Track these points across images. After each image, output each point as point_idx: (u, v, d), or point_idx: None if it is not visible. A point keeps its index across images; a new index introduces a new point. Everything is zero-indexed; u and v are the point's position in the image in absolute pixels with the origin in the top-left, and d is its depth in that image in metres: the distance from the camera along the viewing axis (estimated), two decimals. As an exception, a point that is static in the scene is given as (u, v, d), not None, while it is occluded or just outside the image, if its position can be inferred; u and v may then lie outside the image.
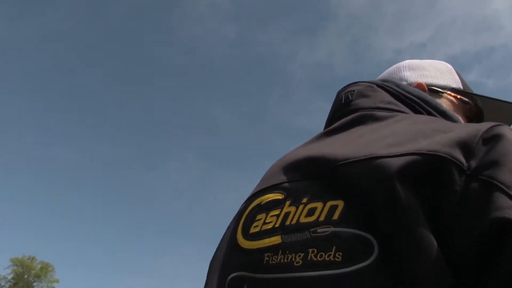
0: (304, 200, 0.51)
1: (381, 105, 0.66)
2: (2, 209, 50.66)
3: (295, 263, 0.47)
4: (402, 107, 0.66)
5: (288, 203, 0.53)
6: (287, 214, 0.52)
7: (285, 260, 0.48)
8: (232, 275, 0.55)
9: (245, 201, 0.64)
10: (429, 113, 0.67)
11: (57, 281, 38.18)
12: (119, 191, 59.51)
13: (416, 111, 0.67)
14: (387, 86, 0.70)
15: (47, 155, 55.75)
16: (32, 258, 37.95)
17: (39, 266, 37.85)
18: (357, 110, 0.67)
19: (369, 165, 0.47)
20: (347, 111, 0.68)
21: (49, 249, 51.75)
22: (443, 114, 0.68)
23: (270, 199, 0.57)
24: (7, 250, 55.46)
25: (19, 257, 37.65)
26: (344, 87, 0.74)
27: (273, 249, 0.51)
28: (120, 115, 61.14)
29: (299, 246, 0.48)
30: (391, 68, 0.86)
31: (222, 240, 0.65)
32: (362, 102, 0.68)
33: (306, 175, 0.55)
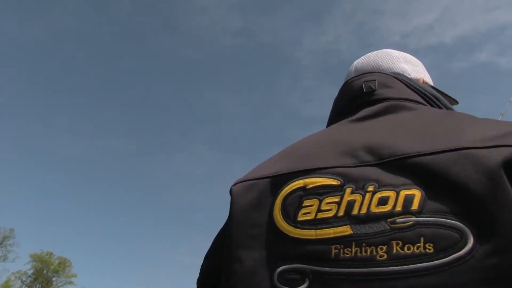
0: (370, 188, 0.49)
1: (408, 97, 0.67)
2: (18, 206, 51.71)
3: (378, 257, 0.44)
4: (422, 101, 0.68)
5: (348, 190, 0.50)
6: (351, 203, 0.49)
7: (364, 253, 0.45)
8: (284, 267, 0.50)
9: (271, 178, 0.58)
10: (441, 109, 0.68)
11: (74, 275, 39.07)
12: (133, 185, 60.23)
13: (432, 106, 0.68)
14: (403, 79, 0.71)
15: (57, 150, 56.55)
16: (50, 254, 38.81)
17: (57, 261, 38.70)
18: (383, 99, 0.66)
19: (460, 156, 0.46)
20: (371, 100, 0.68)
21: (65, 244, 52.82)
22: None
23: (320, 183, 0.52)
24: (25, 246, 56.96)
25: (37, 252, 38.59)
26: (358, 76, 0.73)
27: (343, 240, 0.47)
28: (129, 109, 61.56)
29: (379, 238, 0.45)
30: (382, 55, 0.82)
31: (244, 222, 0.56)
32: (386, 92, 0.68)
33: (364, 162, 0.52)
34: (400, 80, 0.70)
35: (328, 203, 0.50)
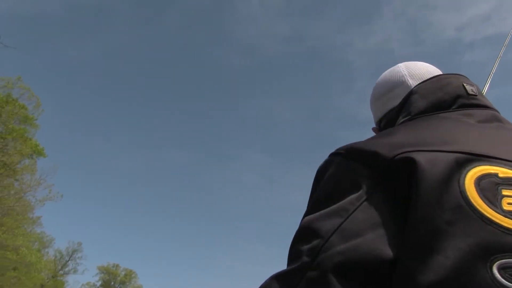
0: None
1: (496, 109, 0.71)
2: (84, 220, 54.03)
3: None
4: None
5: None
6: None
7: None
8: (505, 260, 0.43)
9: (454, 154, 0.52)
10: None
11: (140, 287, 39.93)
12: (190, 195, 61.05)
13: None
14: None
15: (117, 163, 58.66)
16: (116, 266, 39.99)
17: (123, 273, 39.81)
18: (483, 106, 0.69)
19: None
20: (473, 103, 0.69)
21: (130, 255, 54.29)
22: None
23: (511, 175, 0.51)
24: (93, 258, 59.39)
25: (104, 265, 39.80)
26: (452, 74, 0.74)
27: None
28: (182, 120, 62.73)
29: None
30: (430, 68, 0.84)
31: (435, 203, 0.47)
32: (484, 100, 0.71)
33: None
34: None
35: None
